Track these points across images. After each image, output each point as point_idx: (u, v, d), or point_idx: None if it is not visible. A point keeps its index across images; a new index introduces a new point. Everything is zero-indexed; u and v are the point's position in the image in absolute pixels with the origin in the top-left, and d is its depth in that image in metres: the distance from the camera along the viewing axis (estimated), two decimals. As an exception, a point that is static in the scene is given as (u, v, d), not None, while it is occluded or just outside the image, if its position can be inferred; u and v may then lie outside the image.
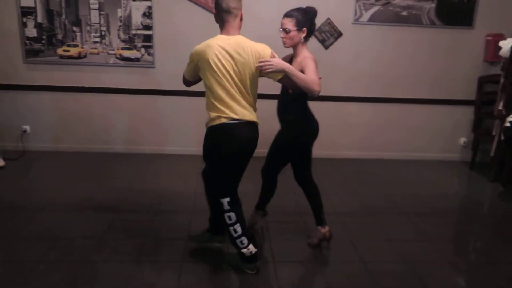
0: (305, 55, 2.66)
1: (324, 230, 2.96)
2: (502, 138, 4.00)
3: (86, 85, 4.49)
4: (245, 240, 2.56)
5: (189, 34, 4.41)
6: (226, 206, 2.52)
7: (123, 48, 4.44)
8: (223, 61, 2.38)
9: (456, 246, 3.22)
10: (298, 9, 2.68)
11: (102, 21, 4.37)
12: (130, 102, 4.57)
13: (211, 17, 4.24)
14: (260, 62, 2.41)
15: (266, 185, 3.03)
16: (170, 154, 4.67)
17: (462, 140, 4.95)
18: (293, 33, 2.64)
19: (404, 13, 4.52)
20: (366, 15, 4.49)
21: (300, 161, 2.89)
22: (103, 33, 4.39)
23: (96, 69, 4.47)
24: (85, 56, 4.43)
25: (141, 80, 4.52)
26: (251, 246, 2.58)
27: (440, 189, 4.18)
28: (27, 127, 4.57)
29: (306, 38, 2.71)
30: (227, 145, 2.47)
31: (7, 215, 3.25)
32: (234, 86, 2.43)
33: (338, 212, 3.50)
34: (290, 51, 2.81)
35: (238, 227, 2.54)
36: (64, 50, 4.40)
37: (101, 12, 4.34)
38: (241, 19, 2.51)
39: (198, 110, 4.55)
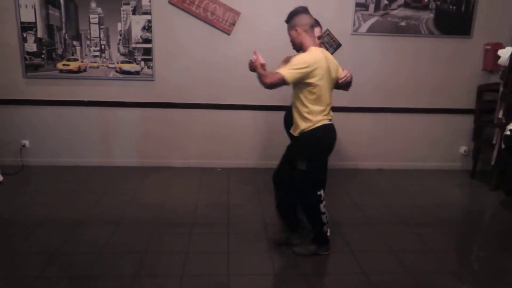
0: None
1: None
2: (503, 146, 3.98)
3: (86, 99, 4.49)
4: (327, 225, 2.96)
5: (188, 47, 4.43)
6: (322, 197, 2.87)
7: (122, 62, 4.46)
8: (332, 70, 2.77)
9: (458, 256, 3.17)
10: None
11: (102, 35, 4.40)
12: (130, 116, 4.57)
13: (210, 30, 4.38)
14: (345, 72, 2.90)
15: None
16: (170, 167, 4.66)
17: (463, 148, 4.93)
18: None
19: (403, 24, 4.54)
20: (365, 26, 4.51)
21: None
22: (103, 47, 4.42)
23: (95, 83, 4.48)
24: (84, 70, 4.45)
25: (141, 93, 4.53)
26: (328, 230, 2.99)
27: (441, 198, 4.14)
28: (26, 142, 4.55)
29: None
30: (328, 141, 2.86)
31: (5, 230, 3.22)
32: (330, 92, 2.83)
33: (337, 223, 3.47)
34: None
35: (326, 215, 2.91)
36: (64, 65, 4.42)
37: (101, 26, 4.37)
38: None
39: (198, 122, 4.61)
